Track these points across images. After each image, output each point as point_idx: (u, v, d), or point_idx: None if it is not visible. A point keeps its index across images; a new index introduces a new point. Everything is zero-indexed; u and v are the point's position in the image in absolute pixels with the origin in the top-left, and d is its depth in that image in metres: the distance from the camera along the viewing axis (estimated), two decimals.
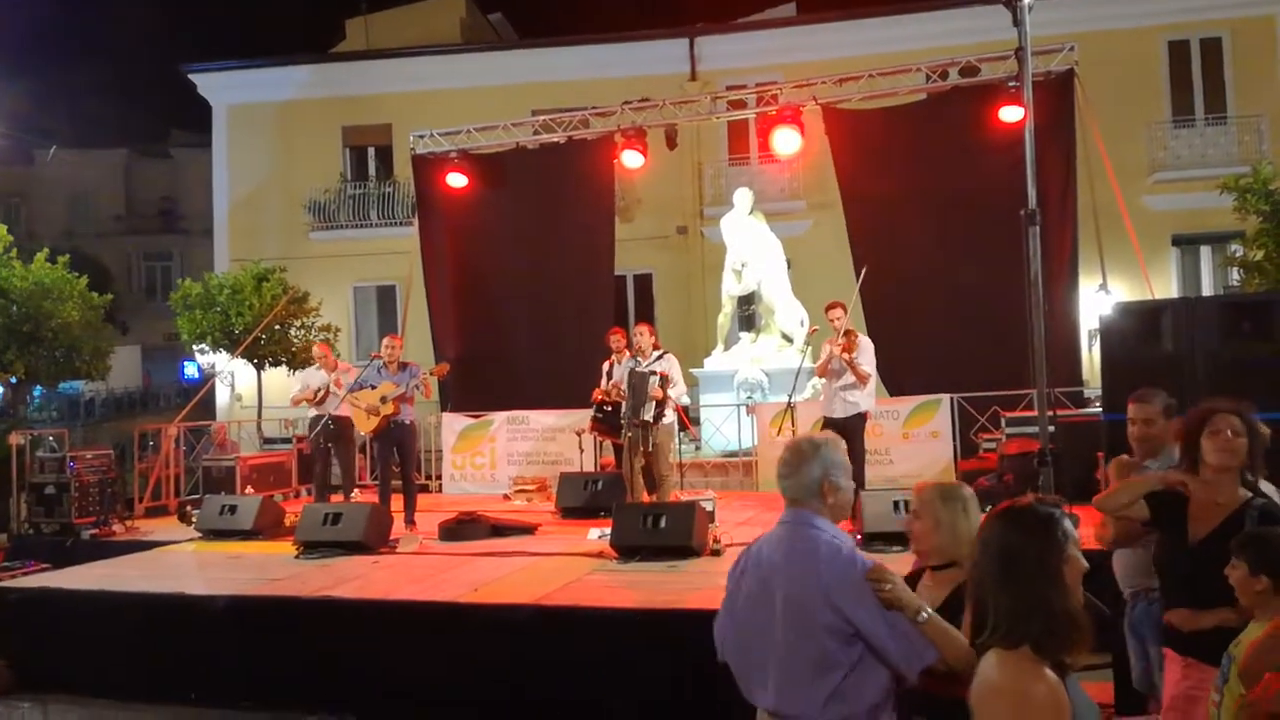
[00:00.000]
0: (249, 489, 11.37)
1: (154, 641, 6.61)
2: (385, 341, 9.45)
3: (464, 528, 8.79)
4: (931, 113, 11.68)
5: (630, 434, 8.70)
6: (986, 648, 2.16)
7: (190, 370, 31.22)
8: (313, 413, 10.55)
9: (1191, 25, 17.90)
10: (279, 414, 15.91)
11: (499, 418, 12.70)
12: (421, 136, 13.85)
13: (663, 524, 7.43)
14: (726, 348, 14.09)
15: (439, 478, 13.00)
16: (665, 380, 8.76)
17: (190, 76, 21.37)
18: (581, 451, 11.37)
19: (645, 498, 8.79)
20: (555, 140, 13.25)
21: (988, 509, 2.53)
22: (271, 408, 17.17)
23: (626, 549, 7.42)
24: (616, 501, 8.38)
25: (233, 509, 9.38)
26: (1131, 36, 17.63)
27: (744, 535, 8.21)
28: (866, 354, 8.80)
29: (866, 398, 8.85)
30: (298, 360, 16.81)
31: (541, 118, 13.58)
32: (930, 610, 2.64)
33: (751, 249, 13.58)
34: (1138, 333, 6.09)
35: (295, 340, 16.81)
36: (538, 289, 13.46)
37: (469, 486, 12.61)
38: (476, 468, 12.76)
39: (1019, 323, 6.24)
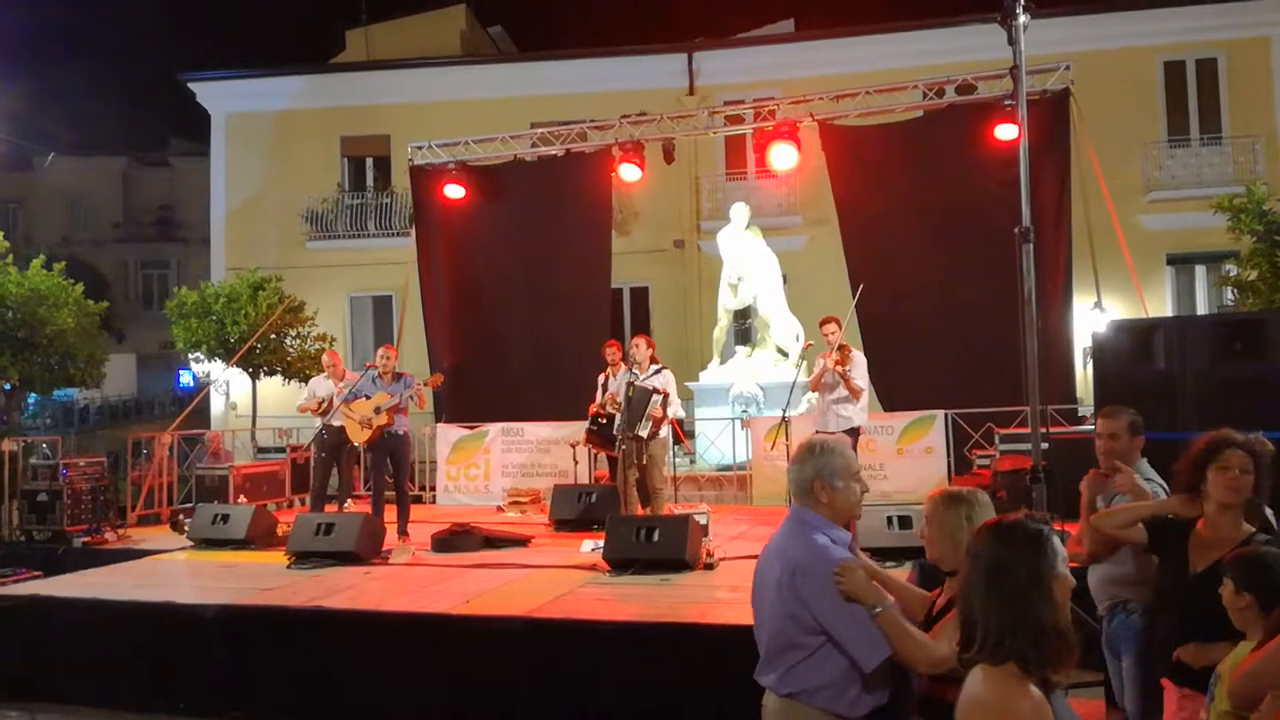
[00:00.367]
0: (242, 498, 11.33)
1: (144, 650, 6.59)
2: (380, 352, 9.43)
3: (457, 539, 8.78)
4: (927, 130, 11.73)
5: (625, 447, 8.70)
6: (973, 663, 2.16)
7: (185, 379, 31.17)
8: (319, 422, 10.55)
9: (1187, 46, 18.02)
10: (273, 423, 15.89)
11: (494, 429, 12.69)
12: (420, 148, 13.88)
13: (656, 537, 7.43)
14: (722, 361, 14.11)
15: (433, 489, 12.98)
16: (666, 400, 8.77)
17: (190, 85, 21.42)
18: (576, 464, 11.37)
19: (639, 511, 8.78)
20: (553, 153, 13.29)
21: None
22: (266, 417, 17.16)
23: (619, 562, 7.41)
24: (610, 514, 8.37)
25: (225, 518, 9.37)
26: (1128, 56, 17.74)
27: (737, 549, 8.21)
28: (860, 368, 8.82)
29: (859, 412, 8.86)
30: (293, 370, 16.81)
31: (540, 130, 13.63)
32: (888, 605, 2.80)
33: (748, 263, 13.62)
34: (1130, 351, 6.11)
35: (291, 350, 16.81)
36: (534, 301, 13.46)
37: (463, 498, 12.59)
38: (471, 479, 12.74)
39: (1014, 340, 6.25)
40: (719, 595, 6.65)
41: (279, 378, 17.01)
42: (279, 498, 12.36)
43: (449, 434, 12.95)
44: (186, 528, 9.67)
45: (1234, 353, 5.86)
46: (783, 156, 11.79)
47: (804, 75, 17.29)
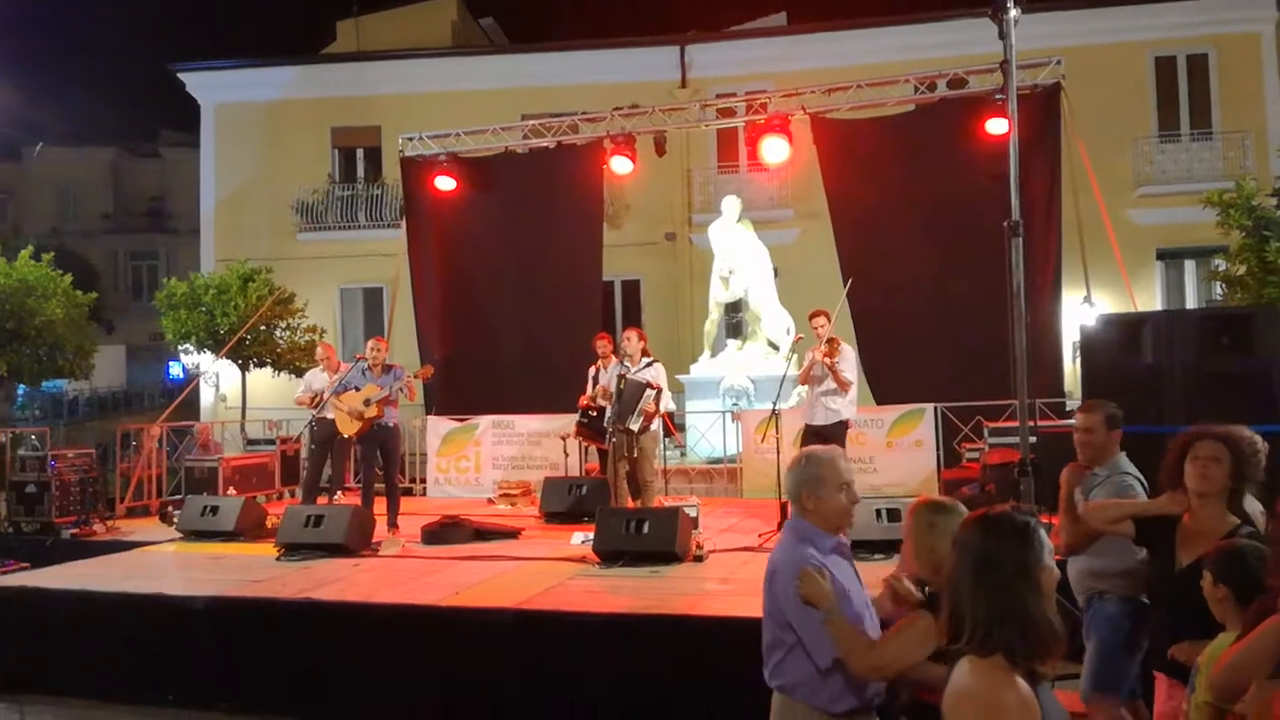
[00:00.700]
0: (231, 490, 11.32)
1: (133, 642, 6.58)
2: (369, 344, 9.42)
3: (447, 531, 8.78)
4: (919, 124, 11.75)
5: (615, 439, 8.71)
6: (960, 654, 2.17)
7: (175, 370, 31.08)
8: (311, 414, 10.53)
9: (1178, 41, 18.06)
10: (263, 415, 15.85)
11: (484, 421, 12.68)
12: (410, 139, 13.83)
13: (646, 529, 7.45)
14: (713, 354, 14.12)
15: (423, 481, 12.97)
16: (659, 396, 8.77)
17: (180, 75, 21.28)
18: (566, 456, 11.38)
19: (629, 503, 8.79)
20: (544, 145, 13.26)
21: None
22: (255, 409, 17.11)
23: (609, 554, 7.43)
24: (600, 507, 8.38)
25: (214, 510, 9.35)
26: (1119, 51, 17.77)
27: (727, 542, 8.24)
28: (848, 361, 8.83)
29: (848, 405, 8.88)
30: (283, 361, 16.76)
31: (531, 122, 13.58)
32: (836, 612, 2.91)
33: (739, 257, 13.62)
34: (1118, 345, 6.14)
35: (280, 342, 16.76)
36: (525, 293, 13.44)
37: (453, 490, 12.59)
38: (461, 471, 12.74)
39: (1004, 333, 6.27)
40: (708, 587, 6.67)
41: (269, 369, 16.95)
42: (268, 490, 12.33)
43: (439, 426, 12.94)
44: (175, 519, 9.65)
45: (1221, 347, 5.89)
46: (774, 150, 11.78)
47: (796, 68, 17.28)
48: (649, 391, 8.66)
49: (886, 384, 11.64)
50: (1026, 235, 6.04)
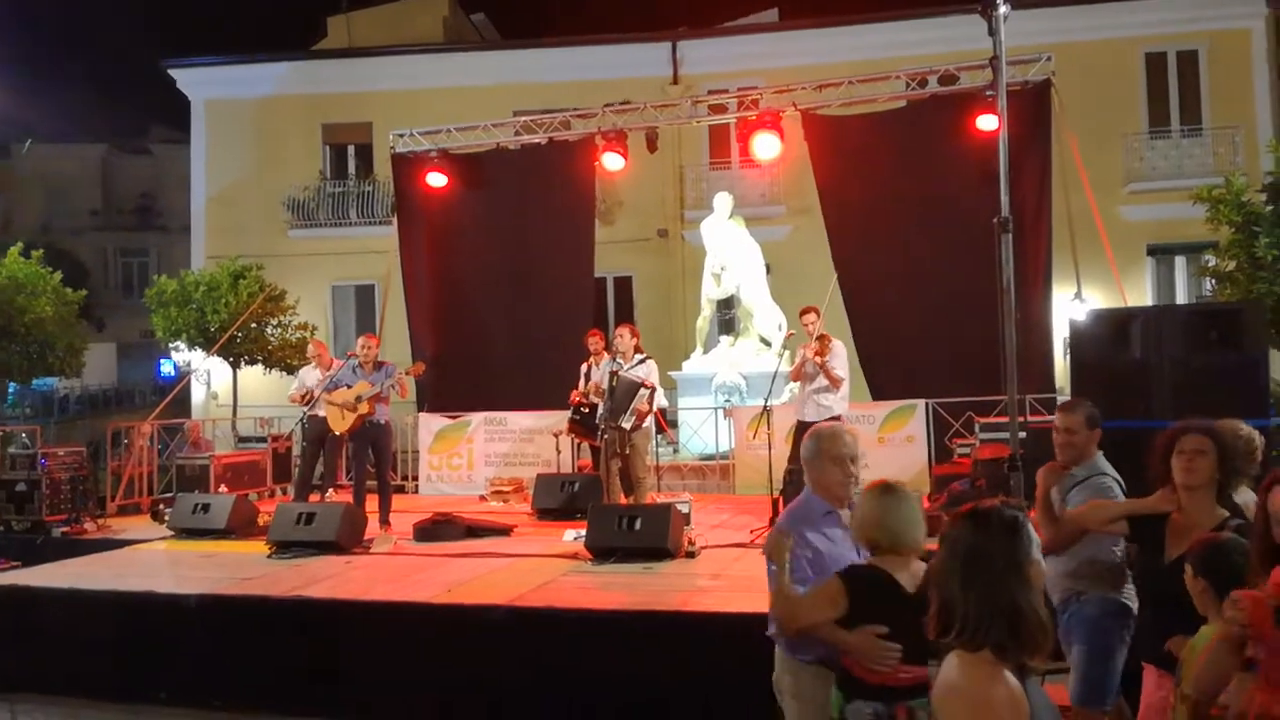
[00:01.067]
0: (223, 488, 11.29)
1: (124, 640, 6.57)
2: (361, 341, 9.38)
3: (439, 528, 8.78)
4: (910, 120, 11.75)
5: (607, 436, 8.71)
6: (949, 649, 2.18)
7: (166, 368, 30.98)
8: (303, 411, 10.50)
9: (1168, 38, 18.12)
10: (254, 412, 15.82)
11: (477, 418, 12.68)
12: (402, 135, 13.80)
13: (638, 526, 7.46)
14: (705, 351, 14.13)
15: (416, 478, 12.96)
16: (654, 396, 8.77)
17: (170, 71, 21.20)
18: (559, 453, 11.37)
19: (622, 500, 8.79)
20: (536, 141, 13.24)
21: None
22: (247, 406, 17.09)
23: (601, 550, 7.43)
24: (592, 503, 8.39)
25: (206, 508, 9.33)
26: (1109, 48, 17.80)
27: (719, 538, 8.25)
28: (839, 358, 8.85)
29: (840, 401, 8.89)
30: (274, 359, 16.73)
31: (523, 119, 13.56)
32: (781, 568, 3.27)
33: (731, 253, 13.62)
34: (1107, 340, 6.15)
35: (272, 339, 16.72)
36: (517, 290, 13.42)
37: (446, 487, 12.58)
38: (454, 468, 12.73)
39: (994, 329, 6.30)
40: (700, 583, 6.68)
41: (260, 367, 16.92)
42: (260, 487, 12.31)
43: (432, 423, 12.93)
44: (167, 517, 9.63)
45: (1209, 342, 5.91)
46: (765, 146, 11.78)
47: (787, 65, 17.29)
48: (643, 391, 8.65)
49: (881, 379, 11.67)
50: (1017, 231, 6.07)
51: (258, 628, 6.42)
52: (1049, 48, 11.63)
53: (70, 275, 18.47)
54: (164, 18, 52.75)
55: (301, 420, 9.98)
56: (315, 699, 6.11)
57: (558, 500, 10.00)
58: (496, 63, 20.36)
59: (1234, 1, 17.75)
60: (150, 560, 8.45)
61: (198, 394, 20.12)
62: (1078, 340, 6.40)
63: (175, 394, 15.06)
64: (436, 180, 13.40)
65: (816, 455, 3.50)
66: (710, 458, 12.37)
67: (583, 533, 7.76)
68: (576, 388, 9.84)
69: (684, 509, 8.17)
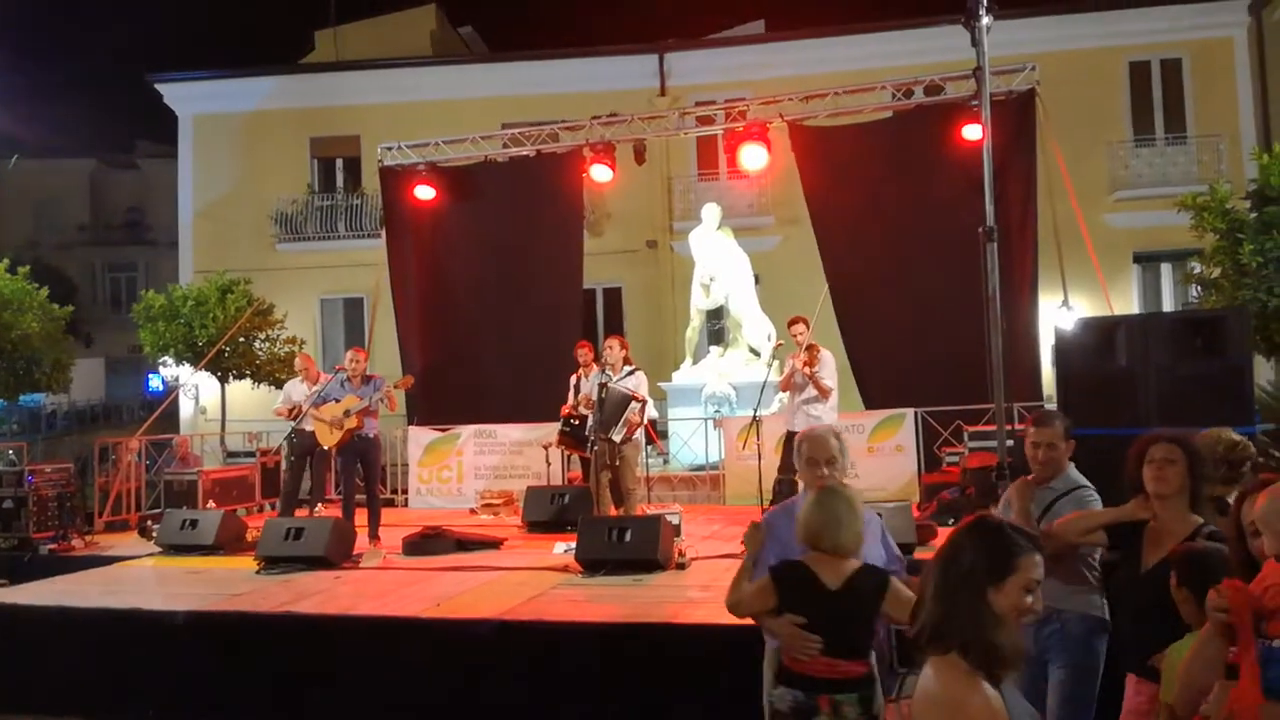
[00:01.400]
0: (211, 503, 11.23)
1: (112, 658, 6.52)
2: (349, 355, 9.36)
3: (428, 542, 8.75)
4: (897, 130, 11.81)
5: (597, 448, 8.70)
6: (924, 655, 2.19)
7: (154, 383, 30.84)
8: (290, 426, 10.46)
9: (1152, 47, 18.27)
10: (243, 427, 15.76)
11: (466, 431, 12.65)
12: (390, 148, 13.81)
13: (628, 538, 7.44)
14: (695, 361, 14.15)
15: (405, 492, 12.92)
16: (644, 409, 8.77)
17: (157, 86, 21.21)
18: (549, 465, 11.35)
19: (612, 512, 8.78)
20: (524, 154, 13.26)
21: (950, 522, 2.62)
22: (235, 421, 17.02)
23: (591, 563, 7.41)
24: (582, 516, 8.37)
25: (194, 523, 9.29)
26: (1093, 57, 17.95)
27: (709, 549, 8.24)
28: (828, 368, 8.87)
29: (829, 411, 8.92)
30: (262, 373, 16.68)
31: (511, 131, 13.59)
32: (747, 558, 3.62)
33: (719, 264, 13.66)
34: (1093, 348, 6.16)
35: (260, 353, 16.68)
36: (506, 302, 13.41)
37: (435, 501, 12.55)
38: (443, 481, 12.70)
39: (983, 338, 6.32)
40: (690, 595, 6.67)
41: (248, 381, 16.87)
42: (248, 502, 12.26)
43: (421, 436, 12.90)
44: (155, 534, 9.57)
45: (1194, 349, 5.93)
46: (753, 157, 11.83)
47: (774, 76, 17.38)
48: (634, 404, 8.65)
49: (871, 389, 11.69)
50: (1003, 240, 6.10)
51: (247, 644, 6.38)
52: (1033, 57, 11.71)
53: (58, 290, 18.45)
54: (151, 33, 52.74)
55: (290, 435, 9.94)
56: (305, 714, 6.08)
57: (548, 513, 9.98)
58: (484, 76, 20.41)
59: (1216, 11, 17.92)
60: (138, 577, 8.39)
61: (186, 409, 20.05)
62: (1064, 348, 6.41)
63: (163, 409, 15.00)
64: (425, 193, 13.40)
65: (798, 456, 3.80)
66: (700, 468, 12.38)
67: (573, 545, 7.74)
68: (566, 400, 9.84)
69: (674, 520, 8.17)
